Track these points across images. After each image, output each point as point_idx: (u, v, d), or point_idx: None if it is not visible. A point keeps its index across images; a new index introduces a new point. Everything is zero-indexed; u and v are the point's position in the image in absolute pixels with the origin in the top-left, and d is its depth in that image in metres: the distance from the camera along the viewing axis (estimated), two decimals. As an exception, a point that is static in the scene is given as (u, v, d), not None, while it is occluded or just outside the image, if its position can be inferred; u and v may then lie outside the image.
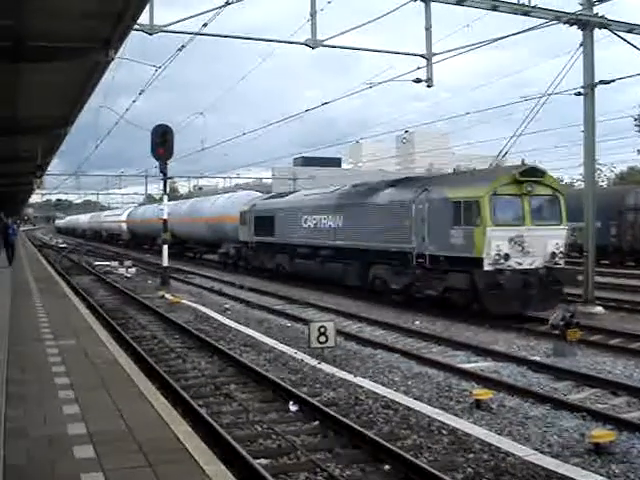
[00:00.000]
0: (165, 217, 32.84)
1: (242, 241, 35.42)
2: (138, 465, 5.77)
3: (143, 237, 62.74)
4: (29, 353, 10.99)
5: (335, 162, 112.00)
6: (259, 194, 41.32)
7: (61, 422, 7.06)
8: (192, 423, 8.09)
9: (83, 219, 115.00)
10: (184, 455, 6.02)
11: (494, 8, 21.16)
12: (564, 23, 21.84)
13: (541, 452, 8.61)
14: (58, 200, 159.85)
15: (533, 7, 21.29)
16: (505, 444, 8.78)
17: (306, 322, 17.07)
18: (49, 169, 44.00)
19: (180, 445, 6.28)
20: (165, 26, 17.33)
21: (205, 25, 17.05)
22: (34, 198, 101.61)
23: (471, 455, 8.47)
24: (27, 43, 12.01)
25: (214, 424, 9.40)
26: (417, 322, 19.47)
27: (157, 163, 32.18)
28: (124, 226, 72.27)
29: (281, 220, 31.32)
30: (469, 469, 8.07)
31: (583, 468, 8.03)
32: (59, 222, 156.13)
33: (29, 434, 6.71)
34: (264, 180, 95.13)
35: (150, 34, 17.10)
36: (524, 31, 21.37)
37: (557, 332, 15.36)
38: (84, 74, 14.29)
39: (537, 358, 14.54)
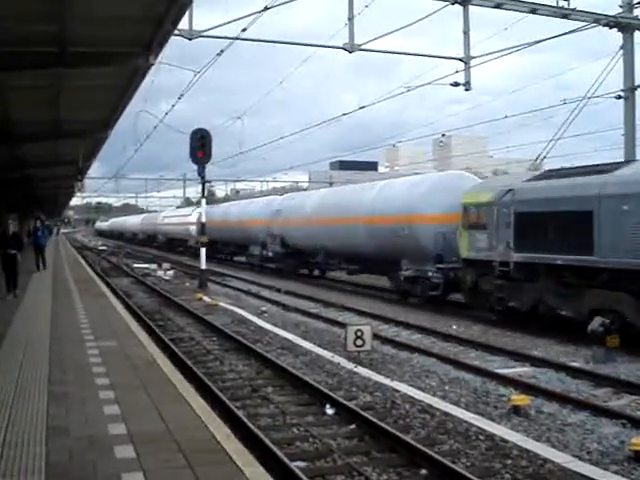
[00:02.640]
0: (204, 220, 33.18)
1: (467, 259, 20.66)
2: (178, 466, 5.83)
3: (224, 244, 50.49)
4: (70, 354, 11.14)
5: (371, 166, 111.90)
6: (469, 176, 26.01)
7: (102, 422, 7.16)
8: (229, 425, 8.14)
9: (133, 221, 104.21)
10: (223, 457, 6.06)
11: (533, 11, 21.06)
12: (604, 26, 21.63)
13: (580, 459, 8.51)
14: (98, 203, 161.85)
15: (572, 10, 21.13)
16: (543, 450, 8.69)
17: (342, 325, 17.09)
18: (89, 172, 44.63)
19: (219, 446, 6.33)
20: (204, 31, 17.50)
21: (244, 30, 17.19)
22: (74, 201, 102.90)
23: (509, 461, 8.40)
24: (70, 49, 12.22)
25: (251, 426, 9.46)
26: (454, 326, 19.37)
27: (195, 167, 32.42)
28: (193, 229, 58.34)
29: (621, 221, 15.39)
30: (507, 475, 8.01)
31: (623, 476, 7.94)
32: (101, 224, 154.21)
33: (71, 433, 6.82)
34: (300, 184, 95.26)
35: (189, 39, 17.28)
36: (564, 34, 21.21)
37: (596, 338, 15.19)
38: (125, 79, 14.50)
39: (576, 364, 14.38)
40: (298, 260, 35.93)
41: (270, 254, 38.22)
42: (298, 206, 35.48)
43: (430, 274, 23.12)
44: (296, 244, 34.93)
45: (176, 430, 6.83)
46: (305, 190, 66.79)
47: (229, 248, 50.21)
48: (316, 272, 37.11)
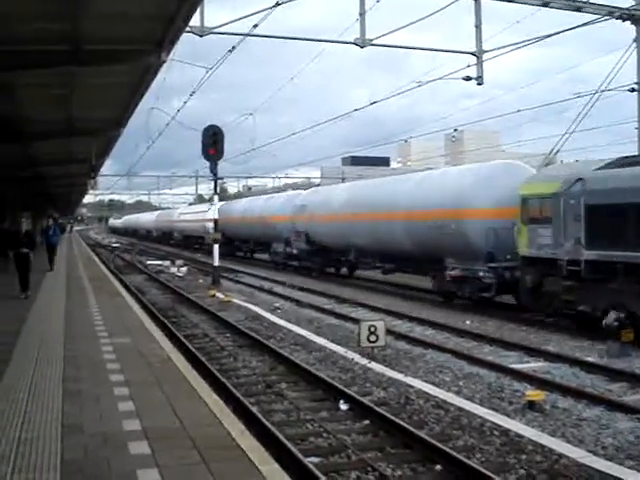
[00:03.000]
0: (216, 216, 33.22)
1: (527, 257, 18.64)
2: (193, 462, 5.84)
3: (243, 241, 49.55)
4: (84, 350, 11.18)
5: (383, 161, 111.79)
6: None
7: (116, 418, 7.18)
8: (243, 421, 8.15)
9: (147, 218, 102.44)
10: (238, 453, 6.06)
11: (545, 4, 20.93)
12: (617, 18, 21.47)
13: (595, 454, 8.48)
14: (110, 200, 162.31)
15: (585, 2, 21.00)
16: (558, 446, 8.67)
17: (356, 321, 17.07)
18: (102, 170, 44.81)
19: (234, 443, 6.33)
20: (215, 28, 17.50)
21: (255, 26, 17.18)
22: (87, 198, 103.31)
23: (524, 456, 8.38)
24: (83, 47, 12.25)
25: (266, 422, 9.47)
26: (468, 322, 19.32)
27: (207, 164, 32.49)
28: (210, 226, 58.84)
29: None
30: (522, 470, 8.00)
31: (638, 471, 7.90)
32: (114, 221, 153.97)
33: (85, 430, 6.84)
34: (312, 180, 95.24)
35: (200, 36, 17.28)
36: (576, 27, 21.08)
37: (610, 333, 15.12)
38: (137, 76, 14.53)
39: (590, 359, 14.31)
40: (325, 258, 34.24)
41: (295, 251, 36.60)
42: (324, 201, 33.70)
43: (481, 274, 21.03)
44: (323, 241, 33.16)
45: (190, 426, 6.84)
46: (318, 185, 64.96)
47: (249, 245, 48.98)
48: (343, 270, 35.00)
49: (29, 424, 7.08)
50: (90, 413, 7.44)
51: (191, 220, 64.44)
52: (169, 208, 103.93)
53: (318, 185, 71.56)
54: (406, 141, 79.68)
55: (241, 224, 46.31)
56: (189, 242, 67.29)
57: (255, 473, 5.60)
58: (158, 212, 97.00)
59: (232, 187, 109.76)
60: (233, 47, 18.45)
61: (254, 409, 10.24)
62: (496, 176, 21.74)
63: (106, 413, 7.41)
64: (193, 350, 14.60)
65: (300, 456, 8.11)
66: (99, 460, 5.95)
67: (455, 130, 66.09)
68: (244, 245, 49.75)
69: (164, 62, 12.83)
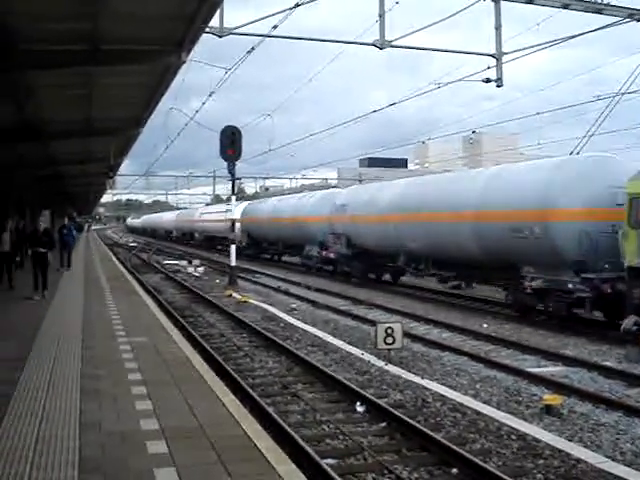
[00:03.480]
0: (236, 217, 33.28)
1: (637, 267, 15.83)
2: (210, 462, 5.85)
3: (270, 243, 46.92)
4: (102, 349, 11.23)
5: (401, 163, 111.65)
6: None
7: (134, 417, 7.21)
8: (259, 422, 8.15)
9: (166, 217, 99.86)
10: (255, 453, 6.07)
11: (565, 7, 20.73)
12: (638, 21, 21.29)
13: (613, 460, 8.42)
14: (128, 200, 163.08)
15: (606, 5, 20.80)
16: (576, 451, 8.62)
17: (372, 323, 17.04)
18: (120, 170, 44.99)
19: (251, 443, 6.34)
20: (235, 28, 17.50)
21: (275, 27, 17.18)
22: (105, 198, 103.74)
23: (541, 461, 8.34)
24: (103, 47, 12.31)
25: (282, 423, 9.47)
26: (485, 325, 19.24)
27: (225, 164, 32.54)
28: (237, 227, 50.55)
29: None
30: (539, 475, 7.96)
31: (657, 478, 7.82)
32: (133, 221, 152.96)
33: (103, 428, 6.87)
34: (329, 181, 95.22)
35: (220, 36, 17.30)
36: (597, 29, 20.91)
37: (629, 338, 15.01)
38: (157, 77, 14.59)
39: (609, 364, 14.22)
40: (367, 263, 31.20)
41: (332, 255, 33.44)
42: (370, 200, 30.18)
43: (571, 286, 18.08)
44: (366, 244, 30.25)
45: (208, 426, 6.86)
46: (360, 184, 59.18)
47: (277, 248, 46.10)
48: (387, 277, 32.22)
49: (47, 422, 7.12)
50: (108, 412, 7.48)
51: (214, 220, 61.06)
52: (186, 208, 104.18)
53: (335, 187, 71.07)
54: (424, 143, 79.49)
55: (269, 225, 44.23)
56: (212, 243, 64.31)
57: (272, 473, 5.60)
58: (178, 212, 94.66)
59: (249, 187, 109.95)
60: (252, 48, 18.47)
61: (270, 410, 10.24)
62: (588, 172, 18.72)
63: (124, 412, 7.44)
64: (210, 350, 14.62)
65: (317, 458, 8.10)
66: (117, 458, 5.98)
67: (473, 132, 65.78)
68: (271, 247, 47.49)
69: (184, 62, 12.86)
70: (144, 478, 5.52)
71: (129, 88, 15.75)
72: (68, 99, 16.67)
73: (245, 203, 56.87)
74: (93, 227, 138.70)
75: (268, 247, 47.48)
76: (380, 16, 18.87)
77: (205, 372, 9.64)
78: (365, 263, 31.31)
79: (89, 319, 14.85)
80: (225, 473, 5.58)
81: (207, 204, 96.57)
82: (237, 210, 46.85)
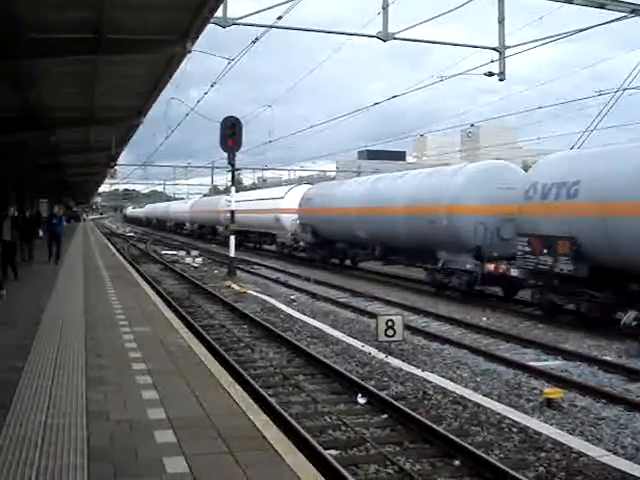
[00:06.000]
0: (234, 208, 33.11)
1: None
2: (219, 451, 5.88)
3: (353, 245, 32.58)
4: (106, 339, 11.24)
5: (399, 155, 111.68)
6: None
7: (141, 407, 7.23)
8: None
9: (177, 208, 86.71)
10: (263, 443, 6.11)
11: (569, 1, 20.77)
12: (640, 16, 21.28)
13: (614, 453, 8.48)
14: (126, 190, 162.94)
15: (609, 0, 20.81)
16: (577, 444, 8.67)
17: (372, 315, 17.09)
18: (119, 159, 44.98)
19: (259, 434, 6.37)
20: (239, 19, 17.48)
21: (279, 18, 17.14)
22: (102, 187, 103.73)
23: (542, 454, 8.38)
24: (107, 35, 12.32)
25: (284, 414, 9.52)
26: (484, 318, 19.29)
27: (224, 154, 32.49)
28: (287, 219, 40.71)
29: None
30: (541, 468, 8.00)
31: (658, 472, 7.88)
32: (133, 211, 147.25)
33: (111, 417, 6.90)
34: (328, 173, 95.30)
35: (223, 27, 17.27)
36: (600, 24, 20.91)
37: (629, 332, 15.08)
38: (161, 66, 14.62)
39: (609, 358, 14.28)
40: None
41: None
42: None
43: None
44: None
45: (215, 416, 6.89)
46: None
47: (368, 251, 30.79)
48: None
49: (54, 409, 7.14)
50: (115, 401, 7.50)
51: (253, 211, 46.32)
52: (183, 199, 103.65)
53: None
54: (422, 135, 79.48)
55: (359, 218, 29.81)
56: (248, 239, 50.65)
57: (280, 463, 5.64)
58: (193, 200, 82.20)
59: (247, 179, 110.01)
60: (256, 38, 18.44)
61: (272, 400, 10.29)
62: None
63: (130, 401, 7.47)
64: (211, 340, 14.65)
65: (320, 449, 8.15)
66: (126, 447, 6.01)
67: (472, 125, 65.85)
68: (353, 250, 33.24)
69: (189, 52, 12.89)
70: (153, 467, 5.55)
71: (133, 77, 15.79)
72: (71, 88, 16.69)
73: (301, 187, 43.82)
74: (90, 217, 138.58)
75: (351, 249, 33.30)
76: (383, 8, 18.87)
77: (210, 362, 9.66)
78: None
79: (91, 309, 14.78)
80: (234, 462, 5.61)
81: (204, 195, 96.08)
82: (290, 197, 41.48)
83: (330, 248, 34.93)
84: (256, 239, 50.36)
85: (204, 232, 68.40)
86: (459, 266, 22.44)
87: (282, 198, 43.15)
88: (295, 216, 38.72)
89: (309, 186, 42.33)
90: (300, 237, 37.89)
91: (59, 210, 33.88)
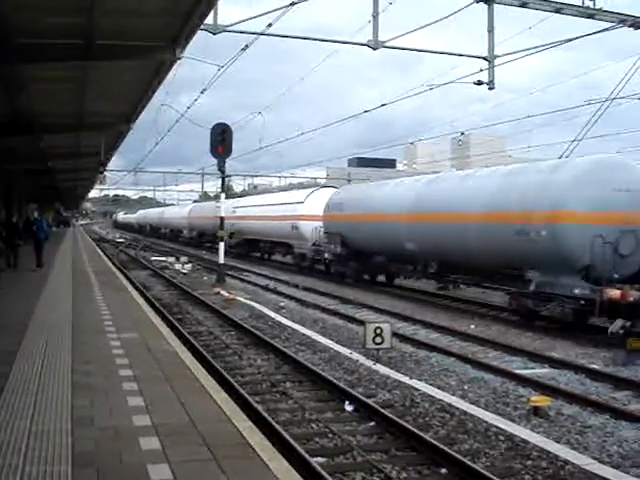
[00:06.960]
0: (222, 214, 33.02)
1: None
2: (203, 458, 5.86)
3: (392, 259, 28.15)
4: (93, 345, 11.18)
5: (390, 163, 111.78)
6: None
7: (126, 413, 7.20)
8: (249, 419, 8.17)
9: (174, 213, 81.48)
10: (248, 450, 6.09)
11: (558, 11, 20.88)
12: (629, 26, 21.43)
13: (600, 462, 8.50)
14: (115, 196, 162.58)
15: (597, 10, 20.94)
16: (563, 452, 8.69)
17: (360, 323, 17.09)
18: (109, 165, 44.91)
19: (243, 440, 6.36)
20: (229, 26, 17.50)
21: (270, 25, 17.16)
22: (92, 193, 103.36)
23: (529, 462, 8.40)
24: (97, 41, 12.33)
25: (271, 421, 9.50)
26: (472, 326, 19.33)
27: (214, 161, 32.49)
28: (307, 227, 35.98)
29: None
30: (527, 476, 8.03)
31: (645, 480, 7.91)
32: (124, 217, 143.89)
33: (96, 424, 6.86)
34: (318, 180, 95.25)
35: (214, 34, 17.28)
36: (588, 34, 21.03)
37: (616, 340, 15.14)
38: (150, 72, 14.62)
39: (596, 366, 14.33)
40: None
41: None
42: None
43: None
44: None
45: (200, 423, 6.86)
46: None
47: (421, 267, 25.62)
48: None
49: (39, 416, 7.10)
50: (100, 407, 7.46)
51: (265, 217, 42.46)
52: (173, 204, 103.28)
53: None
54: (412, 144, 79.64)
55: (406, 227, 25.14)
56: (257, 248, 46.48)
57: (265, 470, 5.63)
58: (192, 205, 76.60)
59: (238, 185, 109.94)
60: (246, 45, 18.44)
61: (260, 407, 10.27)
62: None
63: (116, 407, 7.43)
64: (198, 347, 14.62)
65: (306, 456, 8.14)
66: (111, 454, 5.97)
67: (462, 134, 65.99)
68: (395, 265, 28.54)
69: (179, 59, 12.89)
70: (137, 474, 5.52)
71: (122, 83, 15.78)
72: (60, 93, 16.66)
73: (324, 190, 39.08)
74: (80, 222, 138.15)
75: (393, 264, 28.71)
76: (374, 16, 18.93)
77: (196, 369, 9.62)
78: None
79: (78, 314, 14.70)
80: (218, 469, 5.60)
81: (195, 201, 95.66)
82: (311, 202, 36.82)
83: (364, 262, 29.86)
84: (267, 249, 45.63)
85: (204, 240, 61.67)
86: (562, 291, 17.65)
87: (301, 203, 38.22)
88: (317, 224, 33.81)
89: (334, 190, 37.47)
90: (325, 248, 32.62)
91: (40, 214, 33.55)
